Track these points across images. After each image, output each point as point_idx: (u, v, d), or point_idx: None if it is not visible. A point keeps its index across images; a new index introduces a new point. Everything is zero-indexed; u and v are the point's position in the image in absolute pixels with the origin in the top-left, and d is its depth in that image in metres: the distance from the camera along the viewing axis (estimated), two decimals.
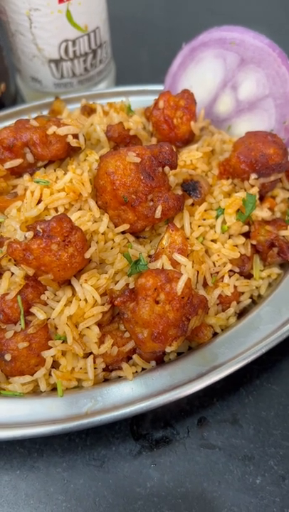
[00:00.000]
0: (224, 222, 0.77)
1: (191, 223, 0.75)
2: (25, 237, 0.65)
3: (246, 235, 0.79)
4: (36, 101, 1.03)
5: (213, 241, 0.76)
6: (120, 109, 0.86)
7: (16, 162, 0.75)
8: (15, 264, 0.70)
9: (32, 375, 0.68)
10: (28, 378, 0.67)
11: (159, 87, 1.03)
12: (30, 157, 0.75)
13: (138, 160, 0.69)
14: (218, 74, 0.88)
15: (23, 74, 1.07)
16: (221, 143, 0.85)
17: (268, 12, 1.54)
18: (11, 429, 0.64)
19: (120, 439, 0.74)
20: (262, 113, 0.88)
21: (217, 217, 0.77)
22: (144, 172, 0.69)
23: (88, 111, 0.86)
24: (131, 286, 0.69)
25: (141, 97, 1.00)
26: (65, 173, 0.73)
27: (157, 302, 0.64)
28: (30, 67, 1.03)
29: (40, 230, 0.64)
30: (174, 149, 0.72)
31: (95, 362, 0.69)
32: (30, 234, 0.65)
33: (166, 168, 0.71)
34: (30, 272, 0.66)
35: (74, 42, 0.98)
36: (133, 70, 1.31)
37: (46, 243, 0.63)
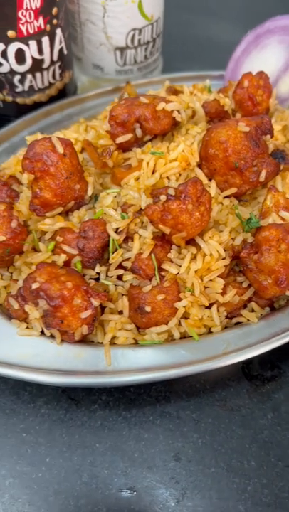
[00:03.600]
0: None
1: (282, 186, 0.85)
2: (159, 200, 0.72)
3: None
4: (98, 89, 1.10)
5: None
6: (202, 89, 0.94)
7: (127, 137, 0.82)
8: (140, 228, 0.77)
9: (166, 324, 0.75)
10: (164, 327, 0.74)
11: (213, 73, 1.13)
12: (139, 132, 0.82)
13: (247, 129, 0.78)
14: (281, 58, 0.99)
15: (84, 61, 1.13)
16: None
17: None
18: (165, 370, 0.71)
19: (236, 381, 0.82)
20: None
21: None
22: (251, 140, 0.78)
23: (173, 91, 0.93)
24: (249, 241, 0.78)
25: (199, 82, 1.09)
26: (177, 145, 0.81)
27: (279, 252, 0.74)
28: (94, 54, 1.09)
29: (173, 193, 0.72)
30: None
31: (218, 311, 0.77)
32: (163, 197, 0.72)
33: (267, 137, 0.81)
34: (167, 230, 0.73)
35: (140, 31, 1.05)
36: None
37: (184, 203, 0.71)
